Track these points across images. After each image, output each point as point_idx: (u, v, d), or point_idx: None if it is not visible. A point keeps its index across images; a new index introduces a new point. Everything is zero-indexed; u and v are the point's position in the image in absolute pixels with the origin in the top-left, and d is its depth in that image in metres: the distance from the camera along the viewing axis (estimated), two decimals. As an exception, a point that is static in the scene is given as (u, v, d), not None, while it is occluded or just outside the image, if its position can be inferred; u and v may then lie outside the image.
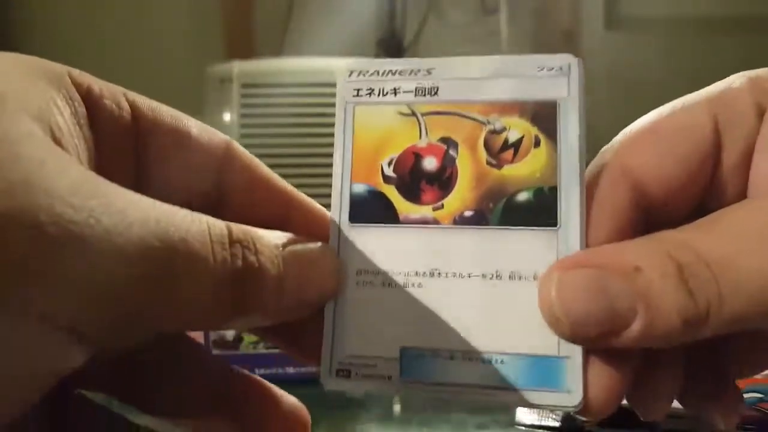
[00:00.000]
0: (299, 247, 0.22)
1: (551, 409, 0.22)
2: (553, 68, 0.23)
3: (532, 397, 0.22)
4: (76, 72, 0.21)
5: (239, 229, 0.20)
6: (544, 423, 0.38)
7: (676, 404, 0.36)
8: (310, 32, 1.46)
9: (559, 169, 0.23)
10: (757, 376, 0.38)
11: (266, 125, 0.93)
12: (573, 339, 0.21)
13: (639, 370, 0.23)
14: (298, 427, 0.25)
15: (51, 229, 0.15)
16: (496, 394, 0.22)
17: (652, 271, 0.21)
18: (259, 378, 0.25)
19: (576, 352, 0.22)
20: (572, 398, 0.22)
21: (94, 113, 0.21)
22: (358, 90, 0.25)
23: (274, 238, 0.21)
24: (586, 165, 0.23)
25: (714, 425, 0.26)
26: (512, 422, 0.39)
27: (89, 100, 0.21)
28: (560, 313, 0.21)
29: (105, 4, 1.51)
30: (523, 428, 0.38)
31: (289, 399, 0.25)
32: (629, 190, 0.23)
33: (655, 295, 0.20)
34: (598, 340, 0.21)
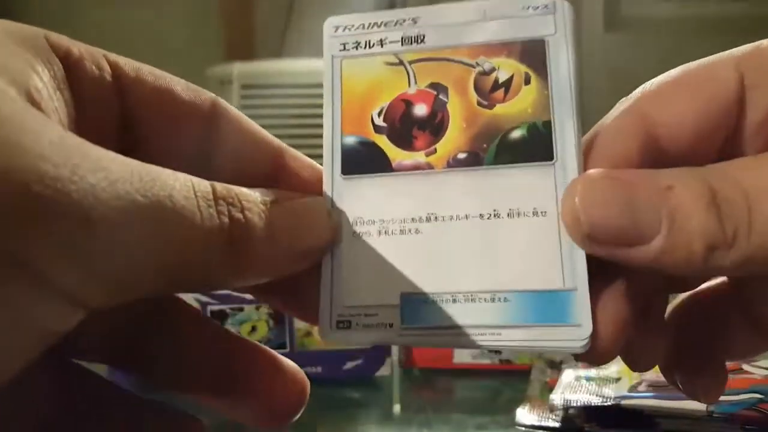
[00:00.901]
0: (288, 201, 0.21)
1: (559, 348, 0.21)
2: (538, 7, 0.24)
3: (540, 333, 0.21)
4: (53, 35, 0.20)
5: (223, 186, 0.20)
6: (544, 423, 0.38)
7: (676, 405, 0.36)
8: (310, 33, 1.45)
9: (552, 104, 0.23)
10: (757, 377, 0.39)
11: (266, 126, 0.93)
12: (590, 242, 0.21)
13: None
14: (301, 390, 0.24)
15: (36, 188, 0.15)
16: (501, 333, 0.22)
17: (683, 191, 0.20)
18: (258, 344, 0.25)
19: (582, 283, 0.21)
20: (581, 332, 0.21)
21: (74, 76, 0.20)
22: (345, 44, 0.25)
23: (260, 193, 0.21)
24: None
25: (694, 399, 0.27)
26: (512, 422, 0.39)
27: (68, 62, 0.20)
28: (581, 212, 0.21)
29: (104, 6, 1.51)
30: (523, 428, 0.38)
31: (289, 363, 0.25)
32: (641, 134, 0.22)
33: (683, 213, 0.20)
34: (615, 247, 0.21)
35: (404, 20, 0.24)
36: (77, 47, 0.21)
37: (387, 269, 0.23)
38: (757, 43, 0.23)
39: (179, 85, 0.23)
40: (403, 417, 0.46)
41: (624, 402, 0.37)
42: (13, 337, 0.16)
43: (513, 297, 0.22)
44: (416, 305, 0.22)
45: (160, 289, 0.18)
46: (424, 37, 0.24)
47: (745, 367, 0.39)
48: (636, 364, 0.25)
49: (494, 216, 0.22)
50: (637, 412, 0.37)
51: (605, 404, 0.37)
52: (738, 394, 0.36)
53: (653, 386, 0.39)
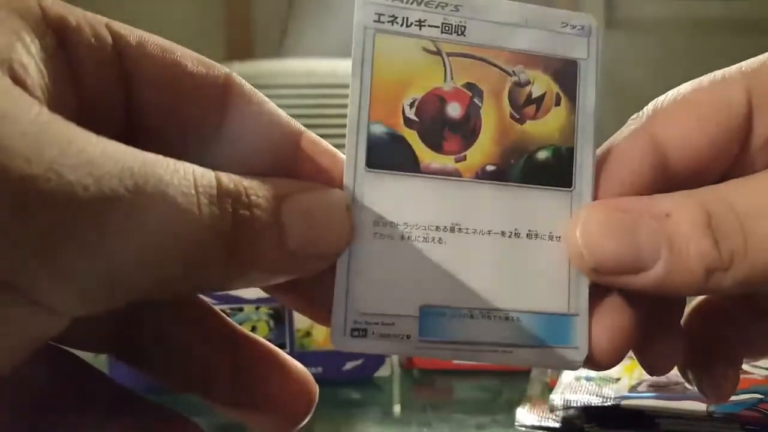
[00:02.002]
0: (302, 195, 0.20)
1: (558, 366, 0.23)
2: (575, 27, 0.24)
3: (545, 353, 0.22)
4: (48, 1, 0.18)
5: (230, 179, 0.18)
6: (544, 423, 0.38)
7: (676, 405, 0.36)
8: (310, 33, 1.46)
9: (576, 131, 0.23)
10: (757, 377, 0.38)
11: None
12: (593, 273, 0.22)
13: (645, 327, 0.23)
14: (307, 394, 0.23)
15: (3, 189, 0.14)
16: (512, 352, 0.22)
17: (681, 218, 0.21)
18: (270, 345, 0.24)
19: (583, 308, 0.22)
20: (578, 354, 0.22)
21: (70, 48, 0.19)
22: (380, 15, 0.22)
23: (271, 186, 0.19)
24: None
25: (705, 397, 0.27)
26: (512, 423, 0.39)
27: (63, 33, 0.18)
28: (583, 247, 0.22)
29: (104, 5, 1.51)
30: (523, 429, 0.38)
31: (299, 367, 0.24)
32: (652, 158, 0.23)
33: (680, 239, 0.21)
34: (617, 276, 0.22)
35: (446, 4, 0.23)
36: (75, 15, 0.19)
37: (407, 277, 0.22)
38: (764, 59, 0.23)
39: (189, 59, 0.21)
40: (403, 417, 0.46)
41: (624, 402, 0.37)
42: None
43: (525, 317, 0.22)
44: (435, 318, 0.22)
45: (154, 295, 0.17)
46: (464, 29, 0.23)
47: (745, 367, 0.39)
48: (651, 369, 0.25)
49: (515, 235, 0.23)
50: (638, 413, 0.37)
51: (605, 404, 0.37)
52: (738, 394, 0.36)
53: (653, 386, 0.39)
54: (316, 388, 0.24)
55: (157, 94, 0.21)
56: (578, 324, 0.22)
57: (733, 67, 0.23)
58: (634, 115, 0.24)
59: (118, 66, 0.20)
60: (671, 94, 0.23)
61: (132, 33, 0.20)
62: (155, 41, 0.21)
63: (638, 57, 1.52)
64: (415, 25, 0.23)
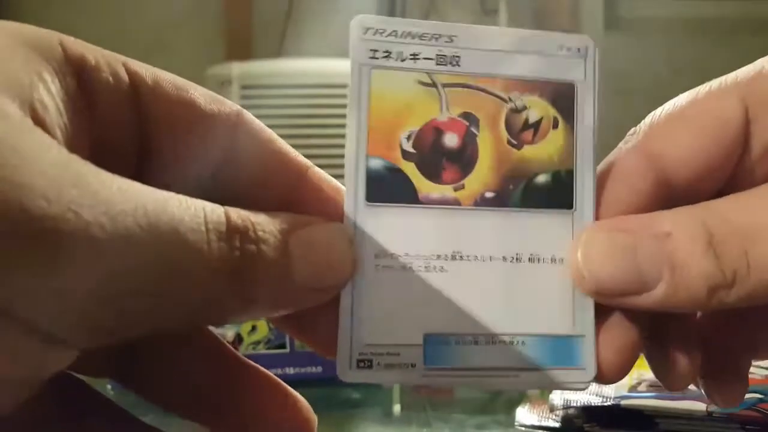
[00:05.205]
0: (308, 229, 0.20)
1: (565, 387, 0.23)
2: (571, 49, 0.24)
3: (552, 376, 0.22)
4: (69, 40, 0.19)
5: (238, 215, 0.19)
6: (544, 423, 0.38)
7: (675, 405, 0.36)
8: (309, 34, 1.46)
9: (576, 153, 0.23)
10: (757, 377, 0.38)
11: (266, 126, 0.93)
12: (596, 295, 0.22)
13: (657, 341, 0.23)
14: (306, 422, 0.24)
15: (22, 228, 0.14)
16: (519, 376, 0.22)
17: (681, 236, 0.21)
18: (270, 374, 0.24)
19: (589, 329, 0.23)
20: (585, 374, 0.23)
21: (89, 87, 0.19)
22: (375, 51, 0.23)
23: (278, 222, 0.20)
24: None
25: (715, 402, 0.27)
26: (512, 422, 0.39)
27: (83, 71, 0.19)
28: (584, 270, 0.22)
29: (104, 7, 1.51)
30: (523, 428, 0.38)
31: (296, 394, 0.24)
32: (652, 175, 0.23)
33: (682, 259, 0.21)
34: (619, 298, 0.22)
35: (440, 36, 0.23)
36: (93, 54, 0.20)
37: (410, 307, 0.22)
38: (759, 67, 0.23)
39: (202, 97, 0.22)
40: (403, 417, 0.46)
41: (624, 402, 0.37)
42: (5, 379, 0.15)
43: (529, 340, 0.23)
44: (439, 345, 0.22)
45: (159, 327, 0.18)
46: (459, 59, 0.23)
47: (745, 367, 0.39)
48: (673, 383, 0.25)
49: (516, 260, 0.23)
50: (637, 412, 0.37)
51: (605, 404, 0.37)
52: (738, 394, 0.36)
53: (653, 386, 0.39)
54: (315, 418, 0.24)
55: (170, 131, 0.21)
56: (584, 345, 0.23)
57: (728, 77, 0.23)
58: (631, 131, 0.24)
59: (134, 104, 0.20)
60: (667, 107, 0.23)
61: (147, 71, 0.21)
62: (169, 79, 0.21)
63: (639, 57, 1.52)
64: (410, 58, 0.23)
